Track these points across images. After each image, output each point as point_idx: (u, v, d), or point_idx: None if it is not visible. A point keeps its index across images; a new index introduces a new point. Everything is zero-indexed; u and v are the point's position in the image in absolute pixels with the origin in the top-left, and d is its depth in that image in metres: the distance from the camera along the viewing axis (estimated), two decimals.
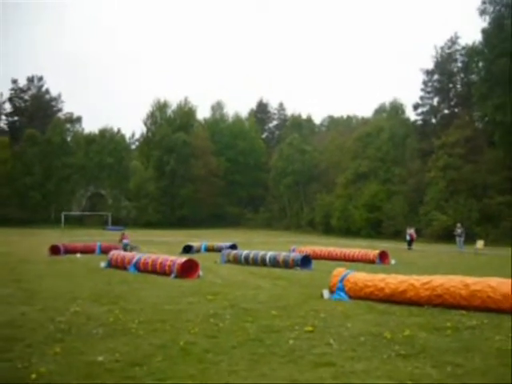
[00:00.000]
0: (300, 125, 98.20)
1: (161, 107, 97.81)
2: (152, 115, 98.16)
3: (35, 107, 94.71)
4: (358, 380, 5.55)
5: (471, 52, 58.83)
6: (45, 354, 6.58)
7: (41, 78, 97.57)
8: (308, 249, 26.91)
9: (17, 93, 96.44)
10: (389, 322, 8.85)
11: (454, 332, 7.98)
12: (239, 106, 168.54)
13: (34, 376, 5.62)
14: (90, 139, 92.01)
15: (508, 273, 14.80)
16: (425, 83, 62.98)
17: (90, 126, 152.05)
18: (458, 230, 34.90)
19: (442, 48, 61.72)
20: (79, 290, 12.65)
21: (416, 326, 8.47)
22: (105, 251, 25.00)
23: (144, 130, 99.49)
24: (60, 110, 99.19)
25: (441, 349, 6.93)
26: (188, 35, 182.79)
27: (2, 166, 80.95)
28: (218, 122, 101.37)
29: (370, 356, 6.57)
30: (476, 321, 8.81)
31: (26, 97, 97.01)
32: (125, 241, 26.51)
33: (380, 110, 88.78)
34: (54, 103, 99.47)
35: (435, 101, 63.37)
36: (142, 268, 17.35)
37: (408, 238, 37.05)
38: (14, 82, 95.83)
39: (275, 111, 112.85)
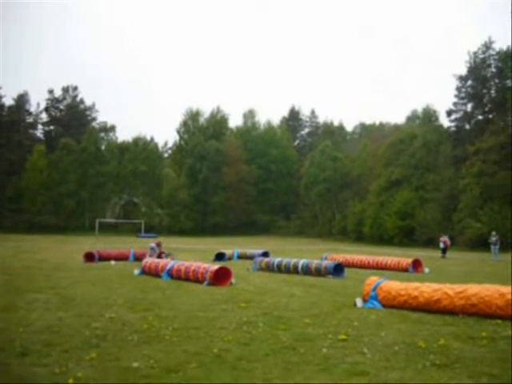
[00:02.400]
0: (332, 132, 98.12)
1: (193, 116, 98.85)
2: (185, 124, 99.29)
3: (70, 116, 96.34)
4: None
5: (505, 57, 58.06)
6: (81, 359, 6.69)
7: (75, 88, 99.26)
8: (340, 257, 26.80)
9: (52, 103, 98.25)
10: (423, 331, 8.76)
11: (489, 342, 7.87)
12: (271, 114, 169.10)
13: (71, 381, 5.71)
14: (124, 148, 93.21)
15: None
16: (458, 89, 62.33)
17: (124, 134, 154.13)
18: (493, 238, 34.36)
19: (475, 53, 61.05)
20: (114, 296, 12.79)
21: (451, 335, 8.37)
22: (138, 258, 25.25)
23: (177, 138, 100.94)
24: (94, 119, 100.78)
25: (476, 359, 6.84)
26: (220, 44, 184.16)
27: (39, 174, 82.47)
28: (249, 130, 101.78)
29: (404, 366, 6.52)
30: None
31: (62, 106, 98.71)
32: (152, 244, 26.41)
33: (413, 117, 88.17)
34: (88, 112, 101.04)
35: (469, 107, 62.65)
36: (175, 275, 17.46)
37: (442, 245, 36.57)
38: (50, 92, 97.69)
39: (307, 119, 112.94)
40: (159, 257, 24.19)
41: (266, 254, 28.39)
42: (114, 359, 6.75)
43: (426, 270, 22.95)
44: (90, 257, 25.52)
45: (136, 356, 6.91)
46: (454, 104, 62.98)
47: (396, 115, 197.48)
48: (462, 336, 8.32)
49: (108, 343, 7.67)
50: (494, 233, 35.23)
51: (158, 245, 25.88)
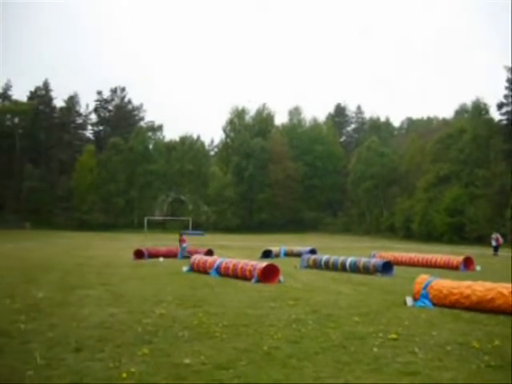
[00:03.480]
0: (378, 128, 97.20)
1: (239, 114, 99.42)
2: (231, 122, 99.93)
3: (118, 117, 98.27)
4: None
5: None
6: (134, 355, 6.80)
7: (123, 89, 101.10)
8: (389, 254, 26.49)
9: (101, 103, 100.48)
10: (476, 331, 8.58)
11: None
12: (317, 111, 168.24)
13: (124, 375, 5.82)
14: (171, 146, 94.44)
15: None
16: (509, 81, 60.70)
17: (171, 133, 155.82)
18: None
19: None
20: (163, 293, 12.96)
21: (506, 335, 8.17)
22: (186, 256, 25.50)
23: (223, 136, 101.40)
24: (142, 118, 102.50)
25: None
26: (266, 41, 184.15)
27: (88, 173, 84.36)
28: (295, 127, 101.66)
29: (458, 366, 6.40)
30: None
31: (110, 107, 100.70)
32: (184, 244, 26.86)
33: (461, 111, 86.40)
34: (136, 112, 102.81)
35: None
36: (223, 272, 17.57)
37: (494, 243, 35.75)
38: (99, 93, 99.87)
39: (353, 114, 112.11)
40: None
41: (313, 252, 28.32)
42: (166, 355, 6.84)
43: (478, 268, 22.48)
44: (139, 254, 25.91)
45: (187, 352, 6.98)
46: (505, 96, 61.42)
47: (444, 109, 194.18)
48: None
49: (159, 339, 7.77)
50: None
51: (182, 239, 26.81)
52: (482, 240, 50.88)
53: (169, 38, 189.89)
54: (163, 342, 7.62)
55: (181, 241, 27.11)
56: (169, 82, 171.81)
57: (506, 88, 61.20)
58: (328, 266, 21.06)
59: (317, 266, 21.54)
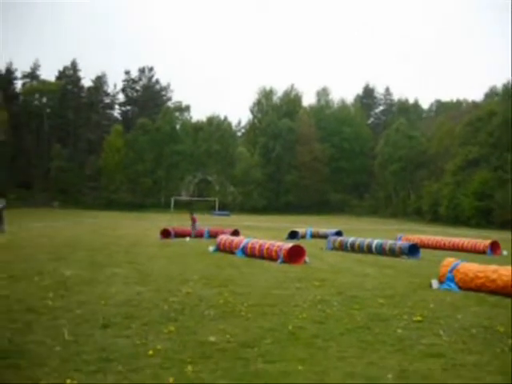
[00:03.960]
0: (407, 110, 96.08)
1: (267, 94, 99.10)
2: (258, 102, 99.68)
3: (146, 97, 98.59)
4: (468, 373, 5.44)
5: None
6: (160, 332, 6.92)
7: (151, 69, 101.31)
8: (415, 237, 26.36)
9: (129, 83, 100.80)
10: (501, 315, 8.55)
11: None
12: (345, 92, 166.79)
13: (150, 352, 5.93)
14: (198, 127, 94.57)
15: None
16: None
17: (198, 114, 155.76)
18: None
19: None
20: (190, 272, 13.09)
21: None
22: (213, 235, 25.66)
23: (250, 117, 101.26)
24: (169, 99, 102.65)
25: None
26: (294, 21, 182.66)
27: (116, 153, 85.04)
28: (323, 109, 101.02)
29: (482, 349, 6.40)
30: None
31: (138, 87, 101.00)
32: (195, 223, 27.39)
33: (491, 93, 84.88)
34: (163, 93, 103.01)
35: None
36: (249, 253, 17.68)
37: None
38: (127, 73, 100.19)
39: (381, 96, 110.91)
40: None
41: (339, 234, 28.32)
42: (191, 333, 6.95)
43: (505, 252, 22.27)
44: (166, 233, 26.15)
45: (212, 330, 7.08)
46: None
47: (474, 92, 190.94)
48: None
49: (185, 317, 7.89)
50: None
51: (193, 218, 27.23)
52: (509, 225, 50.25)
53: (196, 17, 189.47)
54: (189, 320, 7.73)
55: (193, 220, 27.31)
56: (196, 62, 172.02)
57: None
58: (354, 248, 21.06)
59: (343, 247, 21.56)
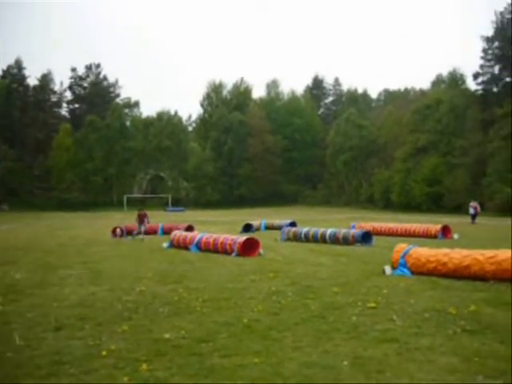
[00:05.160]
0: (356, 99, 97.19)
1: (216, 88, 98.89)
2: (208, 96, 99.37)
3: (94, 94, 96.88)
4: (422, 356, 5.51)
5: None
6: (114, 332, 6.82)
7: (98, 65, 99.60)
8: (368, 225, 26.69)
9: (76, 81, 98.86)
10: (453, 297, 8.71)
11: None
12: (294, 84, 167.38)
13: (104, 353, 5.83)
14: (148, 123, 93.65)
15: None
16: (485, 51, 60.92)
17: (148, 109, 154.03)
18: None
19: (501, 13, 59.45)
20: (144, 270, 12.96)
21: (482, 301, 8.31)
22: (167, 232, 25.44)
23: (201, 111, 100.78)
24: (118, 95, 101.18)
25: (508, 324, 6.78)
26: (241, 14, 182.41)
27: (65, 152, 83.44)
28: (273, 101, 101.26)
29: (435, 332, 6.51)
30: None
31: (85, 84, 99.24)
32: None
33: (438, 81, 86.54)
34: (112, 89, 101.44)
35: (496, 69, 61.26)
36: (204, 247, 17.61)
37: (472, 211, 36.18)
38: (73, 70, 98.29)
39: (331, 87, 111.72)
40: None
41: (293, 224, 28.43)
42: (146, 331, 6.87)
43: (455, 236, 22.77)
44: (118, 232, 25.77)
45: (167, 327, 7.02)
46: (481, 66, 61.66)
47: (421, 80, 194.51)
48: (494, 302, 8.25)
49: (139, 316, 7.81)
50: None
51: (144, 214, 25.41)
52: (460, 209, 51.46)
53: (142, 11, 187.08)
54: (143, 318, 7.66)
55: (142, 216, 25.37)
56: (144, 58, 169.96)
57: (482, 58, 61.41)
58: (308, 238, 21.18)
59: (297, 238, 21.65)
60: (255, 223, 28.95)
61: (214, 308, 8.22)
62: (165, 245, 19.58)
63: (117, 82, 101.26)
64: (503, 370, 5.02)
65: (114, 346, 6.10)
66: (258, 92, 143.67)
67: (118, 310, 8.20)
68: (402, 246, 12.02)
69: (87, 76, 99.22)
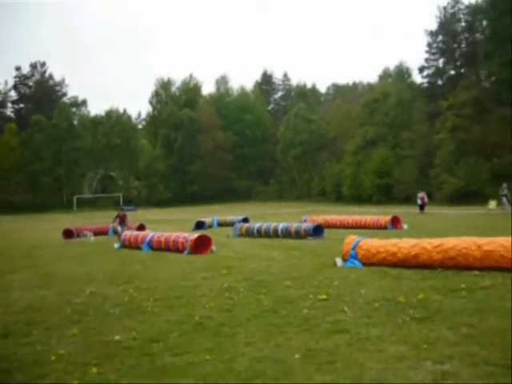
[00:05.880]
0: (305, 94, 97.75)
1: (165, 85, 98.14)
2: (157, 94, 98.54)
3: (40, 93, 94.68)
4: (372, 346, 5.58)
5: (475, 11, 58.14)
6: (63, 336, 6.70)
7: (43, 64, 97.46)
8: (320, 218, 26.91)
9: (21, 80, 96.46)
10: (403, 286, 8.87)
11: (468, 293, 7.99)
12: (244, 79, 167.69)
13: (53, 358, 5.72)
14: (97, 121, 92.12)
15: None
16: (429, 45, 62.23)
17: (96, 108, 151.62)
18: (505, 190, 33.70)
19: (445, 8, 60.87)
20: (94, 271, 12.77)
21: (430, 289, 8.49)
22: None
23: (150, 108, 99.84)
24: (65, 94, 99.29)
25: (455, 311, 6.96)
26: (189, 9, 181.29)
27: (11, 153, 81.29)
28: (223, 97, 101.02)
29: (385, 321, 6.61)
30: (490, 281, 8.83)
31: (31, 83, 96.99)
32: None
33: (385, 75, 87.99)
34: (58, 88, 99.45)
35: (441, 62, 62.68)
36: (156, 246, 17.46)
37: (419, 201, 36.94)
38: (18, 69, 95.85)
39: (280, 82, 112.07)
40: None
41: (245, 220, 28.47)
42: (96, 334, 6.77)
43: (405, 226, 23.18)
44: (68, 233, 25.35)
45: (118, 329, 6.93)
46: (426, 60, 62.94)
47: (369, 74, 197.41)
48: (442, 289, 8.43)
49: (89, 318, 7.70)
50: (505, 185, 34.40)
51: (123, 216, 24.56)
52: (409, 199, 52.35)
53: (87, 9, 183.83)
54: (93, 320, 7.56)
55: (121, 217, 23.80)
56: (91, 55, 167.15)
57: (426, 52, 62.73)
58: (260, 234, 21.23)
59: (249, 234, 21.68)
60: (207, 220, 28.87)
61: (166, 307, 8.16)
62: (116, 245, 19.33)
63: (63, 80, 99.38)
64: (450, 355, 5.14)
65: (64, 351, 6.00)
66: (208, 88, 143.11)
67: (67, 314, 8.06)
68: (352, 238, 12.16)
69: (32, 75, 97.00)
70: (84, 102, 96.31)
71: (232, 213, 41.09)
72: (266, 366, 5.10)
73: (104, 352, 5.90)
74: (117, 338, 6.46)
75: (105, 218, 29.39)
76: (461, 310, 6.96)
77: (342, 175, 69.00)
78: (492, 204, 33.59)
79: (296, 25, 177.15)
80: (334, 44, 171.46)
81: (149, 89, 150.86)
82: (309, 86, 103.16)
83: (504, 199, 33.53)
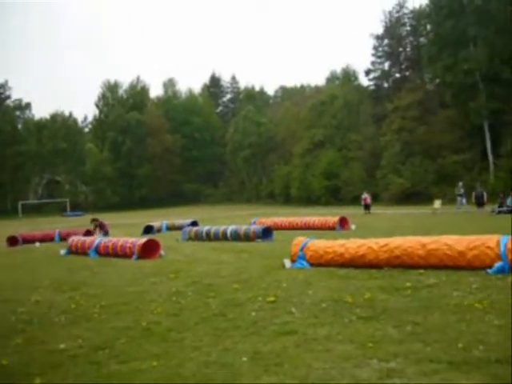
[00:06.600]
0: (254, 97, 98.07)
1: (112, 88, 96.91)
2: (103, 96, 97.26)
3: None
4: (320, 346, 5.62)
5: (419, 15, 59.75)
6: (6, 347, 6.50)
7: None
8: (269, 220, 27.05)
9: None
10: (350, 286, 8.97)
11: (413, 291, 8.13)
12: (192, 82, 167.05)
13: None
14: (42, 125, 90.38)
15: (464, 230, 15.22)
16: (375, 48, 63.56)
17: (41, 111, 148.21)
18: (461, 190, 34.27)
19: (390, 12, 62.36)
20: (40, 279, 12.48)
21: (376, 288, 8.61)
22: (64, 238, 24.62)
23: (96, 112, 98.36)
24: (8, 97, 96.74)
25: (401, 309, 7.07)
26: (135, 12, 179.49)
27: None
28: (171, 99, 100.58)
29: (332, 321, 6.66)
30: (434, 279, 9.00)
31: None
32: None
33: (332, 78, 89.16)
34: (1, 91, 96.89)
35: (386, 65, 64.21)
36: (103, 252, 17.21)
37: (362, 202, 37.82)
38: None
39: (228, 85, 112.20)
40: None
41: (194, 224, 28.34)
42: (41, 343, 6.61)
43: (353, 226, 23.54)
44: (13, 241, 24.76)
45: (63, 337, 6.78)
46: (372, 63, 64.31)
47: (316, 77, 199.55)
48: (388, 288, 8.56)
49: (34, 327, 7.51)
50: (461, 184, 34.99)
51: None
52: (357, 200, 53.16)
53: (30, 8, 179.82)
54: (38, 329, 7.37)
55: (100, 226, 23.17)
56: (34, 57, 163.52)
57: (373, 55, 64.01)
58: (210, 237, 21.18)
59: (198, 237, 21.59)
60: (156, 224, 28.64)
61: (113, 313, 8.04)
62: (62, 252, 18.96)
63: (6, 82, 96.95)
64: (395, 352, 5.21)
65: (6, 361, 5.82)
66: (156, 91, 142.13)
67: (11, 323, 7.84)
68: (300, 240, 12.25)
69: None
70: (28, 105, 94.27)
71: (181, 216, 40.92)
72: (213, 370, 5.08)
73: (49, 361, 5.76)
74: (62, 346, 6.32)
75: (51, 224, 28.73)
76: (406, 308, 7.08)
77: (291, 177, 69.62)
78: (437, 203, 34.41)
79: (243, 28, 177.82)
80: (281, 47, 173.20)
81: (95, 91, 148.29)
82: (257, 88, 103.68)
83: (459, 198, 34.32)
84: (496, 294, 7.58)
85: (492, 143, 47.07)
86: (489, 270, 9.23)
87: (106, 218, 51.77)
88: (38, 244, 24.25)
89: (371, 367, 4.88)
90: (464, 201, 33.62)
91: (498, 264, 9.24)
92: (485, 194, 30.12)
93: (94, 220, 24.12)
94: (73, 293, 10.16)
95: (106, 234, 22.72)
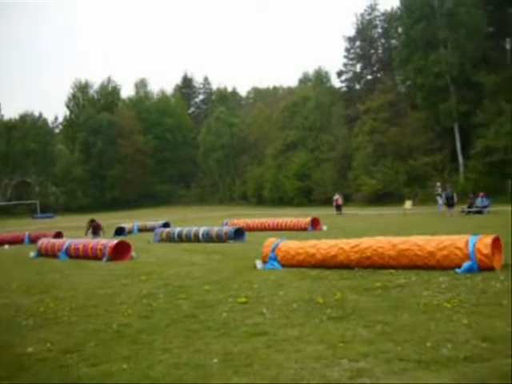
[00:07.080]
0: (226, 98, 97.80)
1: (82, 88, 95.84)
2: (74, 97, 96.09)
3: None
4: (290, 347, 5.64)
5: (390, 18, 60.19)
6: None
7: None
8: (241, 221, 27.08)
9: None
10: (321, 287, 9.02)
11: (383, 291, 8.22)
12: (164, 83, 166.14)
13: None
14: (11, 126, 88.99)
15: (434, 230, 15.41)
16: (347, 50, 63.89)
17: (10, 112, 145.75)
18: (439, 189, 34.46)
19: (362, 15, 62.70)
20: (7, 282, 12.31)
21: (347, 288, 8.67)
22: (34, 240, 24.30)
23: (67, 112, 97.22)
24: None
25: (371, 309, 7.13)
26: (107, 11, 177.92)
27: None
28: (143, 100, 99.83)
29: (303, 322, 6.69)
30: (404, 279, 9.10)
31: None
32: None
33: (305, 79, 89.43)
34: None
35: (358, 67, 64.51)
36: (73, 254, 17.04)
37: (334, 203, 38.07)
38: None
39: (200, 86, 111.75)
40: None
41: (166, 225, 28.25)
42: (8, 346, 6.54)
43: (324, 227, 23.67)
44: None
45: (31, 341, 6.70)
46: (344, 65, 64.57)
47: (289, 78, 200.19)
48: (358, 288, 8.63)
49: (1, 331, 7.43)
50: (438, 184, 35.28)
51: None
52: (328, 201, 53.43)
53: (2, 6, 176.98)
54: (5, 333, 7.28)
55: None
56: (3, 58, 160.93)
57: (345, 57, 64.36)
58: (181, 238, 21.12)
59: (170, 239, 21.52)
60: (128, 226, 28.45)
61: (83, 316, 7.97)
62: (32, 254, 18.72)
63: None
64: (365, 352, 5.25)
65: None
66: (127, 92, 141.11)
67: None
68: (271, 240, 12.28)
69: None
70: None
71: (153, 218, 40.67)
72: (183, 371, 5.06)
73: (16, 365, 5.69)
74: (30, 350, 6.25)
75: (20, 226, 28.36)
76: (376, 308, 7.15)
77: (263, 178, 69.69)
78: (408, 204, 34.70)
79: (216, 28, 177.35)
80: (254, 48, 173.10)
81: (66, 92, 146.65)
82: (229, 89, 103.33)
83: (438, 198, 34.35)
84: (465, 293, 7.69)
85: (462, 145, 47.60)
86: (458, 270, 9.37)
87: (77, 220, 51.32)
88: (6, 246, 23.92)
89: (341, 367, 4.91)
90: (441, 201, 33.76)
91: (466, 264, 9.38)
92: (455, 195, 30.48)
93: (91, 221, 24.20)
94: (42, 296, 10.04)
95: (97, 234, 22.90)
